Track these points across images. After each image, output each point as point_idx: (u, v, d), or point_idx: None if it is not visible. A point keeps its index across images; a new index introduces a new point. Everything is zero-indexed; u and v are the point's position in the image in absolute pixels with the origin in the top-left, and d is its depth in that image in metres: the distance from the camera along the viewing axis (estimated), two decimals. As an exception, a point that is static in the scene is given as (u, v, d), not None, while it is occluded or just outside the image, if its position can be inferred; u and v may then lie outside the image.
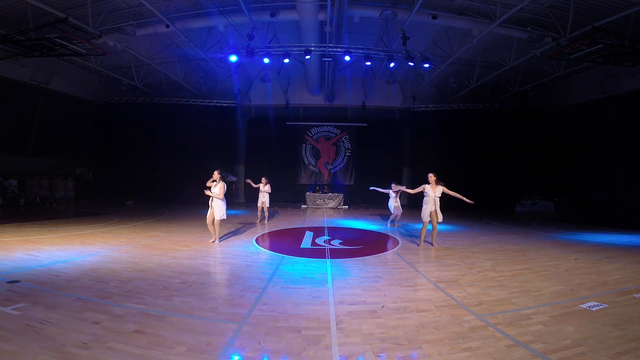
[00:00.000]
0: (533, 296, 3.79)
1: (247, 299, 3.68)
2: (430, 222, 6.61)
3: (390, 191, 9.59)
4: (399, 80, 16.97)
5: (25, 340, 2.56)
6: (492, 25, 9.83)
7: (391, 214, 9.73)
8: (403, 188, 8.42)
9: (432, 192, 6.51)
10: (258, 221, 10.23)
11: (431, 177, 6.56)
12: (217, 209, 6.62)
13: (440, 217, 6.56)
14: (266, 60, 11.57)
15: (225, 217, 6.80)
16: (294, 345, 2.65)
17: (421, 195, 6.75)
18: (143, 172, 16.88)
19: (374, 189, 10.11)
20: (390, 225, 9.78)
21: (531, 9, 9.81)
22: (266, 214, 10.38)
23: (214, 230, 6.84)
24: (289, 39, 12.56)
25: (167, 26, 10.44)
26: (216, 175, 6.63)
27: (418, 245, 6.88)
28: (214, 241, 6.87)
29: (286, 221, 10.87)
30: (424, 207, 6.60)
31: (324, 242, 7.22)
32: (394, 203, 9.50)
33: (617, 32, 9.70)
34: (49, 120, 14.88)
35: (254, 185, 10.14)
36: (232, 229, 8.77)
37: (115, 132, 17.21)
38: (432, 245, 6.79)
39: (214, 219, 6.69)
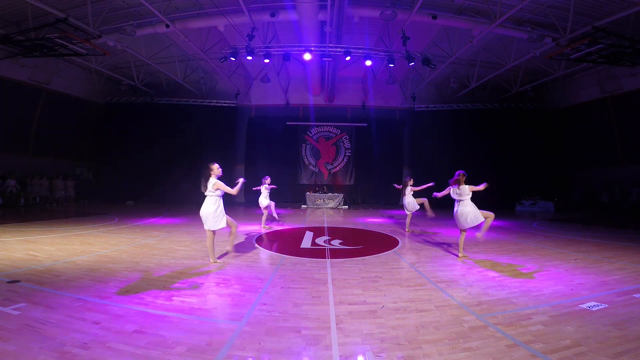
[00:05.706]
0: (533, 296, 3.79)
1: (247, 299, 3.67)
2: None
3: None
4: (399, 80, 16.97)
5: (25, 340, 2.55)
6: (492, 25, 9.84)
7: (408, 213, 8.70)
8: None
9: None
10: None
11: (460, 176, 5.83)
12: (209, 215, 4.91)
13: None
14: (266, 61, 11.59)
15: (216, 228, 5.00)
16: (294, 345, 2.65)
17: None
18: (143, 172, 16.88)
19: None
20: (409, 232, 8.68)
21: (531, 9, 9.82)
22: (264, 216, 9.29)
23: (212, 248, 5.16)
24: (289, 39, 12.58)
25: (167, 26, 10.45)
26: (215, 169, 4.99)
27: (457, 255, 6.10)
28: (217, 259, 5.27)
29: (286, 221, 10.87)
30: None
31: (324, 242, 7.21)
32: (407, 199, 8.57)
33: (617, 32, 9.71)
34: (49, 120, 14.91)
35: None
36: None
37: (115, 132, 17.21)
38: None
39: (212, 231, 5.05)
